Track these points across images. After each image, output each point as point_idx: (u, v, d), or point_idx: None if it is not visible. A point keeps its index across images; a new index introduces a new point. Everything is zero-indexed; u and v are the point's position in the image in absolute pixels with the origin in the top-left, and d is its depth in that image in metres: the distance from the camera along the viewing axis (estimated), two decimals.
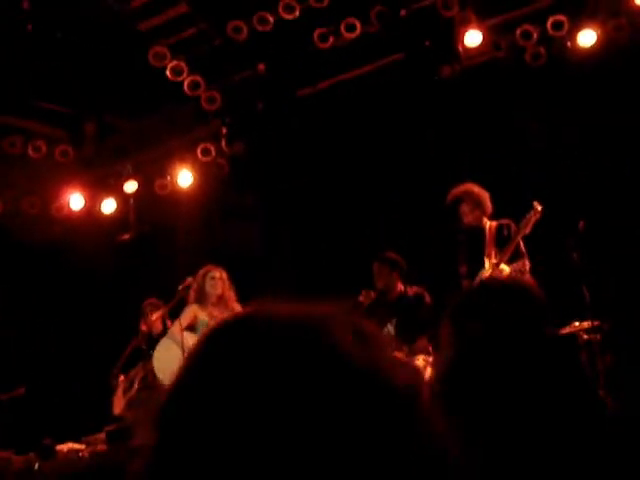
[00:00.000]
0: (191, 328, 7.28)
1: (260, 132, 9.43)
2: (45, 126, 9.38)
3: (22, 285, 10.21)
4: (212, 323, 7.10)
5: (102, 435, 8.08)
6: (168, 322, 7.84)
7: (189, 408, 0.87)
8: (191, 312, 7.35)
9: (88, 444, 8.05)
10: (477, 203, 6.87)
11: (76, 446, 8.02)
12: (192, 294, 7.38)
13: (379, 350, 0.88)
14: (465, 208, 6.88)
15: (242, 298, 7.32)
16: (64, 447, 7.95)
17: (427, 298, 7.21)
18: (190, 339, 7.17)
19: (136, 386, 7.84)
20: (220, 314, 7.17)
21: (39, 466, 7.29)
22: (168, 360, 7.24)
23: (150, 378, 7.72)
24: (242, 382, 0.82)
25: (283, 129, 9.37)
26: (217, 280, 7.30)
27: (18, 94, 8.76)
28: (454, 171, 7.80)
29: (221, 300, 7.29)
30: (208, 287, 7.29)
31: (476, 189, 6.89)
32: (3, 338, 9.93)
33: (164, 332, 7.81)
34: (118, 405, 7.99)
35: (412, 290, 7.29)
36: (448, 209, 6.92)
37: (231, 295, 7.30)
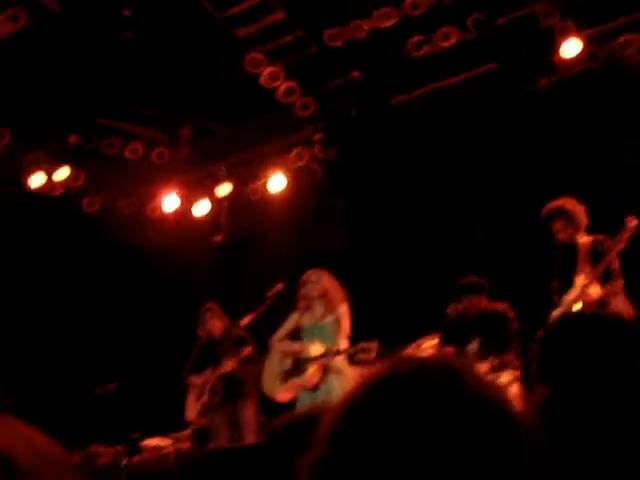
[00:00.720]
0: (294, 336, 7.41)
1: (353, 139, 9.46)
2: (143, 129, 9.61)
3: (114, 284, 10.47)
4: (314, 325, 7.29)
5: (187, 432, 8.25)
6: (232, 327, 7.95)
7: (363, 431, 0.98)
8: (292, 320, 7.45)
9: (173, 441, 8.21)
10: (570, 220, 6.73)
11: (162, 442, 8.19)
12: (298, 300, 7.46)
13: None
14: (558, 225, 6.75)
15: None
16: (150, 442, 8.13)
17: (511, 314, 7.10)
18: (291, 348, 7.35)
19: (207, 394, 7.95)
20: (323, 316, 7.27)
21: (126, 462, 7.47)
22: (269, 371, 7.38)
23: (219, 386, 7.86)
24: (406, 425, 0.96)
25: (376, 136, 9.37)
26: (314, 283, 7.31)
27: (117, 98, 9.01)
28: (549, 183, 7.66)
29: (323, 302, 7.30)
30: (307, 291, 7.33)
31: (570, 205, 6.74)
32: (99, 335, 10.21)
33: (229, 338, 7.92)
34: (191, 410, 8.10)
35: (495, 307, 7.19)
36: (542, 224, 6.81)
37: (335, 295, 7.29)
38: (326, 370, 7.13)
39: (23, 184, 9.25)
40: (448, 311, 7.47)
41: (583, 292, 6.45)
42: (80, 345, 10.09)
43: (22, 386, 8.32)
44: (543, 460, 0.97)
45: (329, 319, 7.26)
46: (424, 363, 1.03)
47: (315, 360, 7.14)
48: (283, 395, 7.34)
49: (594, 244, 6.67)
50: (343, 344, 7.10)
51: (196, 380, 8.05)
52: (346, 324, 7.19)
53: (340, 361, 7.13)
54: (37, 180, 9.27)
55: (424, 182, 9.18)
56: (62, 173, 9.36)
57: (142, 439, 8.11)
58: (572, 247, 6.74)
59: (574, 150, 8.23)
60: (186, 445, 8.11)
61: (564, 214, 6.73)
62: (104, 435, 8.16)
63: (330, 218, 9.66)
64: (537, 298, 6.69)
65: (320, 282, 7.32)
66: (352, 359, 7.20)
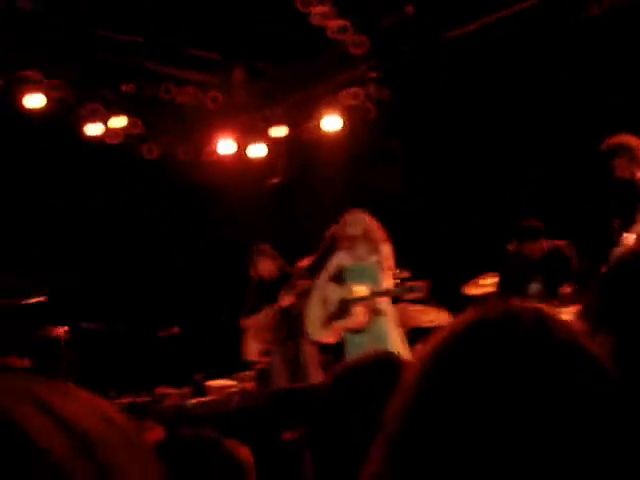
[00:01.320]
0: (337, 278, 7.29)
1: (407, 76, 9.33)
2: (196, 73, 9.61)
3: (174, 228, 10.60)
4: (357, 266, 7.18)
5: (251, 373, 8.39)
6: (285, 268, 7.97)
7: (454, 376, 0.97)
8: (334, 262, 7.32)
9: (238, 381, 8.37)
10: (632, 157, 6.57)
11: (227, 383, 8.37)
12: (339, 241, 7.32)
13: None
14: (619, 161, 6.61)
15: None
16: (215, 383, 8.31)
17: (571, 251, 7.02)
18: (335, 290, 7.25)
19: (269, 332, 8.00)
20: (366, 256, 7.13)
21: (193, 403, 7.65)
22: (312, 314, 7.37)
23: (278, 325, 7.90)
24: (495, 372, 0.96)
25: (430, 72, 9.22)
26: (355, 223, 7.16)
27: (170, 42, 9.01)
28: (605, 119, 7.48)
29: (365, 242, 7.14)
30: (349, 231, 7.17)
31: (633, 142, 6.59)
32: (161, 279, 10.39)
33: (282, 278, 7.96)
34: (250, 351, 8.19)
35: (556, 245, 7.11)
36: (602, 160, 6.66)
37: (377, 235, 7.14)
38: (373, 311, 6.99)
39: (81, 135, 9.37)
40: (509, 247, 7.44)
41: None
42: (143, 289, 10.28)
43: (86, 332, 8.54)
44: (626, 408, 0.98)
45: (372, 259, 7.10)
46: (514, 309, 1.02)
47: (361, 301, 7.00)
48: (328, 338, 7.27)
49: None
50: (387, 285, 6.93)
51: (252, 321, 8.12)
52: (390, 264, 7.01)
53: (385, 302, 7.00)
54: (94, 129, 9.38)
55: (479, 120, 9.03)
56: (119, 122, 9.44)
57: (206, 380, 8.29)
58: (633, 184, 6.61)
59: (631, 83, 7.99)
60: (250, 385, 8.26)
61: (626, 150, 6.58)
62: (170, 378, 8.36)
63: (385, 158, 9.60)
64: (599, 237, 6.61)
65: (361, 222, 7.15)
66: (398, 299, 7.14)
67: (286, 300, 7.80)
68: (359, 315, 6.99)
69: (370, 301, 6.98)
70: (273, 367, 8.02)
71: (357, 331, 7.02)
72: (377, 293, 6.96)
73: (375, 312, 6.98)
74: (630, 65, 7.98)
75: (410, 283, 6.76)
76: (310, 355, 7.78)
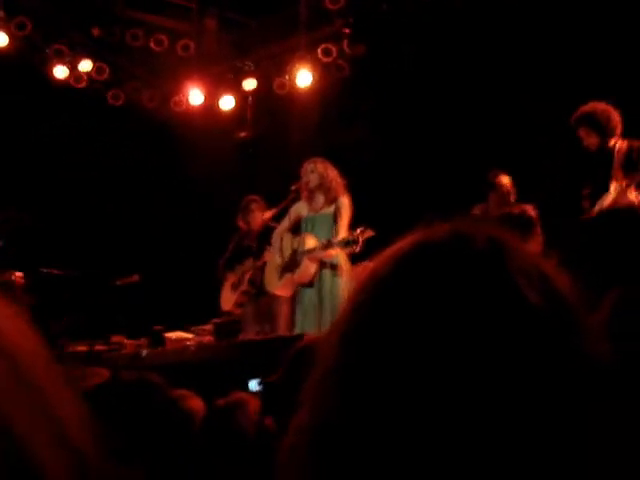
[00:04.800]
0: (295, 229, 7.08)
1: (383, 34, 9.20)
2: (167, 20, 9.43)
3: (139, 175, 10.44)
4: (313, 217, 6.92)
5: (209, 326, 8.33)
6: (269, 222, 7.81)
7: (383, 324, 0.86)
8: (294, 212, 7.11)
9: (195, 334, 8.31)
10: (597, 126, 6.52)
11: (184, 335, 8.30)
12: (300, 192, 7.09)
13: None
14: (583, 132, 6.58)
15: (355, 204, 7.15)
16: (172, 335, 8.24)
17: (533, 213, 6.99)
18: (289, 241, 7.03)
19: (245, 284, 7.93)
20: (322, 206, 6.89)
21: (147, 353, 7.58)
22: (269, 265, 7.23)
23: (258, 277, 7.78)
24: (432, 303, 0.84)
25: (406, 31, 9.09)
26: (313, 172, 6.90)
27: None
28: (581, 83, 7.42)
29: (322, 191, 6.89)
30: (306, 179, 6.91)
31: (599, 109, 6.53)
32: (121, 227, 10.25)
33: (265, 230, 7.79)
34: (227, 301, 8.11)
35: (521, 207, 7.09)
36: (573, 130, 6.63)
37: (336, 186, 6.86)
38: (321, 265, 6.67)
39: (47, 76, 9.17)
40: (473, 212, 7.40)
41: (619, 197, 6.31)
42: (105, 236, 10.15)
43: (45, 277, 8.42)
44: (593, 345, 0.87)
45: (328, 210, 6.80)
46: (464, 232, 0.90)
47: (308, 253, 6.68)
48: (281, 290, 7.03)
49: (630, 149, 6.49)
50: (342, 237, 6.45)
51: (232, 273, 8.02)
52: (346, 215, 6.70)
53: (339, 255, 6.59)
54: (60, 72, 9.18)
55: (454, 79, 8.93)
56: (85, 65, 9.25)
57: (165, 331, 8.22)
58: (605, 153, 6.57)
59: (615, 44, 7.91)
60: (208, 339, 8.20)
61: (589, 119, 6.54)
62: (129, 327, 8.29)
63: (356, 117, 9.49)
64: (568, 206, 6.58)
65: (318, 171, 6.88)
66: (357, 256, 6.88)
67: (268, 257, 7.53)
68: (306, 268, 6.70)
69: (319, 254, 6.63)
70: (245, 318, 7.93)
71: (306, 285, 6.76)
72: (322, 245, 6.56)
73: (324, 266, 6.67)
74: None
75: (352, 233, 6.27)
76: (284, 309, 7.51)
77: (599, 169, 6.53)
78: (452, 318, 0.82)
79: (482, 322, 0.82)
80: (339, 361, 0.88)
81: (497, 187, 7.12)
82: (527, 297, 0.83)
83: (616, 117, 6.53)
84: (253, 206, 8.07)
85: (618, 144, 6.55)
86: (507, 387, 0.81)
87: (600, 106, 6.54)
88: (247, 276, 7.87)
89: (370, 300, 0.88)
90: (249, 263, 7.90)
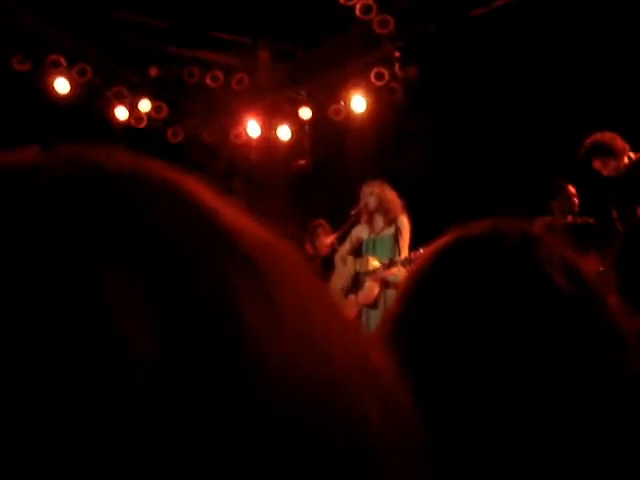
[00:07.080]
0: (356, 252, 7.21)
1: (433, 55, 9.25)
2: (221, 56, 9.62)
3: None
4: (374, 238, 7.05)
5: None
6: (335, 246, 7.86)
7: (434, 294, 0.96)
8: (355, 235, 7.25)
9: None
10: (610, 152, 6.49)
11: None
12: (360, 215, 7.23)
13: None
14: (598, 163, 6.55)
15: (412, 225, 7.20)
16: None
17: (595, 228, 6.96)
18: (352, 263, 7.15)
19: None
20: (382, 228, 7.03)
21: None
22: (332, 288, 7.29)
23: None
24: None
25: (456, 51, 9.12)
26: (371, 195, 7.06)
27: (195, 25, 9.03)
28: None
29: (381, 213, 7.04)
30: (365, 202, 7.08)
31: (606, 138, 6.51)
32: None
33: (331, 255, 7.85)
34: None
35: (584, 218, 7.09)
36: (583, 164, 6.63)
37: (394, 207, 7.02)
38: (384, 285, 6.78)
39: (109, 118, 9.43)
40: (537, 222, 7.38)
41: None
42: None
43: None
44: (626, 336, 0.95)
45: (388, 231, 6.96)
46: (501, 228, 1.01)
47: (370, 275, 6.83)
48: (347, 312, 7.14)
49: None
50: (404, 256, 6.70)
51: None
52: (407, 235, 6.86)
53: (399, 275, 6.67)
54: (122, 114, 9.44)
55: (505, 98, 8.92)
56: (144, 105, 9.49)
57: None
58: (622, 173, 6.54)
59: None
60: None
61: (601, 149, 6.53)
62: None
63: (411, 138, 9.52)
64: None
65: (375, 193, 7.04)
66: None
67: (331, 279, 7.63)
68: (370, 289, 6.83)
69: (381, 274, 6.78)
70: None
71: (370, 306, 6.86)
72: (385, 265, 6.75)
73: (387, 285, 6.78)
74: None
75: (413, 253, 6.47)
76: None
77: (621, 189, 6.53)
78: (487, 301, 0.92)
79: (513, 304, 0.91)
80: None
81: (564, 195, 7.04)
82: (554, 281, 0.93)
83: (617, 136, 6.55)
84: (319, 230, 8.19)
85: (633, 158, 6.55)
86: (535, 362, 0.89)
87: (600, 134, 6.56)
88: None
89: (414, 289, 0.99)
90: None
